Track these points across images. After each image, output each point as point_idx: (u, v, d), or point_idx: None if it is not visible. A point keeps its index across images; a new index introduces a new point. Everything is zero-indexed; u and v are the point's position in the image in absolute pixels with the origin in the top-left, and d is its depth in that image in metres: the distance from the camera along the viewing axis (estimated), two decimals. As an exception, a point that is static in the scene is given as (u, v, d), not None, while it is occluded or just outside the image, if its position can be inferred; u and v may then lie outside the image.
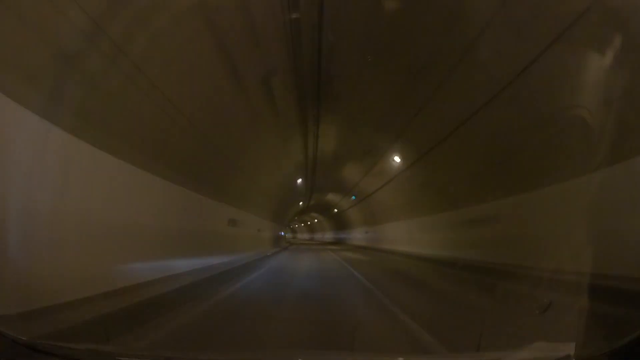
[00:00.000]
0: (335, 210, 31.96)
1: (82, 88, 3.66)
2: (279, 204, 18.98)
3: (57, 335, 2.43)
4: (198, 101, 6.11)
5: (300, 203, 26.67)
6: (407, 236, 15.63)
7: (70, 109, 3.58)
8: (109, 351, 1.59)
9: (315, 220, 48.96)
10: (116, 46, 3.71)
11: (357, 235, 27.74)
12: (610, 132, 3.77)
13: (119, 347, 2.18)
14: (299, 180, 16.85)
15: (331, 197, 27.05)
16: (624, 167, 4.37)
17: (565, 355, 1.17)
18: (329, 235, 44.37)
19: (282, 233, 26.37)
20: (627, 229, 4.21)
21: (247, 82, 6.86)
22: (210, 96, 6.35)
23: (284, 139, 11.44)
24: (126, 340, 2.83)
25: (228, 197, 10.19)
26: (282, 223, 25.47)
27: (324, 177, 17.85)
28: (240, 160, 9.92)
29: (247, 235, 12.55)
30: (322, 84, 7.64)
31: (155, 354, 1.71)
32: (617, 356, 1.02)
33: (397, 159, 12.25)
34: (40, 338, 1.63)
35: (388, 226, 18.75)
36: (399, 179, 13.39)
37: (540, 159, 6.30)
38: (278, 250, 17.54)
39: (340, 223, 35.13)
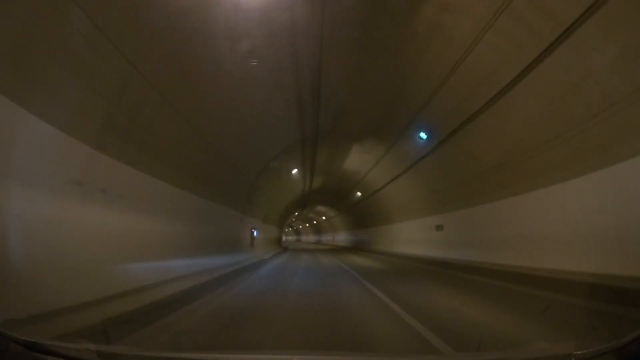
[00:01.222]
0: (359, 194, 18.71)
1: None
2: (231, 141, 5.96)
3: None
4: None
5: (295, 171, 13.64)
6: None
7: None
8: (109, 351, 1.55)
9: (323, 218, 36.32)
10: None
11: (410, 235, 13.57)
12: None
13: (119, 347, 2.16)
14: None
15: (353, 163, 13.75)
16: None
17: (566, 355, 1.15)
18: (342, 237, 31.86)
19: (255, 232, 13.46)
20: None
21: None
22: None
23: None
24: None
25: None
26: (258, 216, 12.92)
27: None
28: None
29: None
30: None
31: (155, 354, 1.69)
32: (617, 356, 0.99)
33: None
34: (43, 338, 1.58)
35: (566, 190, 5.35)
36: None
37: None
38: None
39: (364, 217, 21.74)
